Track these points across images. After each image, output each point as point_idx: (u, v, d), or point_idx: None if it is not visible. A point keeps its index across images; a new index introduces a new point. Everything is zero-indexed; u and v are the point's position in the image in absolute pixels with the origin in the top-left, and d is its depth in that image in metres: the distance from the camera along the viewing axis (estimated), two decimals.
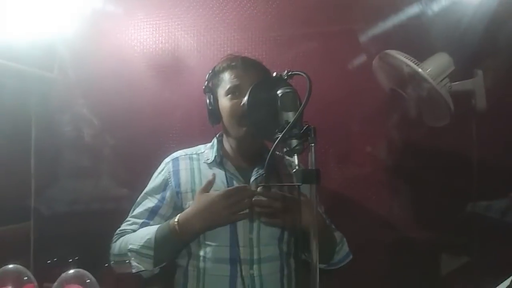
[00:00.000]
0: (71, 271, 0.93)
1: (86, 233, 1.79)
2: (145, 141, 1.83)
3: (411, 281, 1.59)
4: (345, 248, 1.38)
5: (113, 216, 1.49)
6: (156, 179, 1.37)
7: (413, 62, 1.41)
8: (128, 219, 1.37)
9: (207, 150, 1.37)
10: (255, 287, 1.23)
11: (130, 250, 1.23)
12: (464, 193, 1.53)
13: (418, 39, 1.56)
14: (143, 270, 1.23)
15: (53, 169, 1.91)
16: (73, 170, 1.89)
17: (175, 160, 1.37)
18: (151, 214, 1.33)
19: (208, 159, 1.34)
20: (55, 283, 0.94)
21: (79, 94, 1.91)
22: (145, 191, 1.38)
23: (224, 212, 1.19)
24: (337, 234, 1.37)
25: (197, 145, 1.43)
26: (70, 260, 1.57)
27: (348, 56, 1.66)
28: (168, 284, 1.37)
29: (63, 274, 0.93)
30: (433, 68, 1.41)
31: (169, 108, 1.83)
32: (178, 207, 1.32)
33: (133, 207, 1.39)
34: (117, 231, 1.35)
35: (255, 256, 1.25)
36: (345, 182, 1.66)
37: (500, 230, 1.48)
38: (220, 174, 1.30)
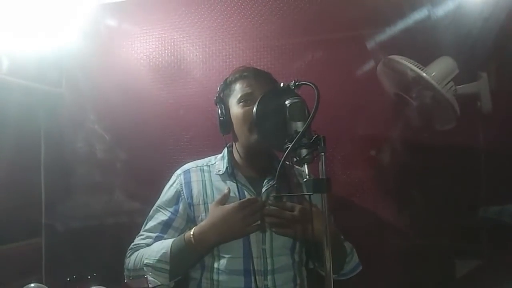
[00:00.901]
0: None
1: (98, 248, 1.80)
2: (153, 154, 1.84)
3: None
4: (355, 259, 1.37)
5: (124, 230, 1.49)
6: (168, 192, 1.36)
7: (417, 66, 1.42)
8: (141, 233, 1.36)
9: (218, 161, 1.37)
10: None
11: (146, 265, 1.23)
12: (474, 197, 1.53)
13: (421, 44, 1.56)
14: (159, 285, 1.22)
15: (63, 184, 1.91)
16: (83, 184, 1.90)
17: (187, 172, 1.37)
18: (165, 227, 1.32)
19: (219, 170, 1.34)
20: None
21: (87, 108, 1.92)
22: (157, 204, 1.37)
23: (239, 224, 1.20)
24: (347, 245, 1.37)
25: (207, 156, 1.43)
26: (89, 277, 1.57)
27: (353, 63, 1.67)
28: None
29: None
30: (437, 72, 1.42)
31: (176, 120, 1.84)
32: (191, 219, 1.32)
33: (146, 221, 1.38)
34: (131, 246, 1.34)
35: (269, 267, 1.25)
36: (353, 189, 1.66)
37: None
38: (231, 185, 1.30)
